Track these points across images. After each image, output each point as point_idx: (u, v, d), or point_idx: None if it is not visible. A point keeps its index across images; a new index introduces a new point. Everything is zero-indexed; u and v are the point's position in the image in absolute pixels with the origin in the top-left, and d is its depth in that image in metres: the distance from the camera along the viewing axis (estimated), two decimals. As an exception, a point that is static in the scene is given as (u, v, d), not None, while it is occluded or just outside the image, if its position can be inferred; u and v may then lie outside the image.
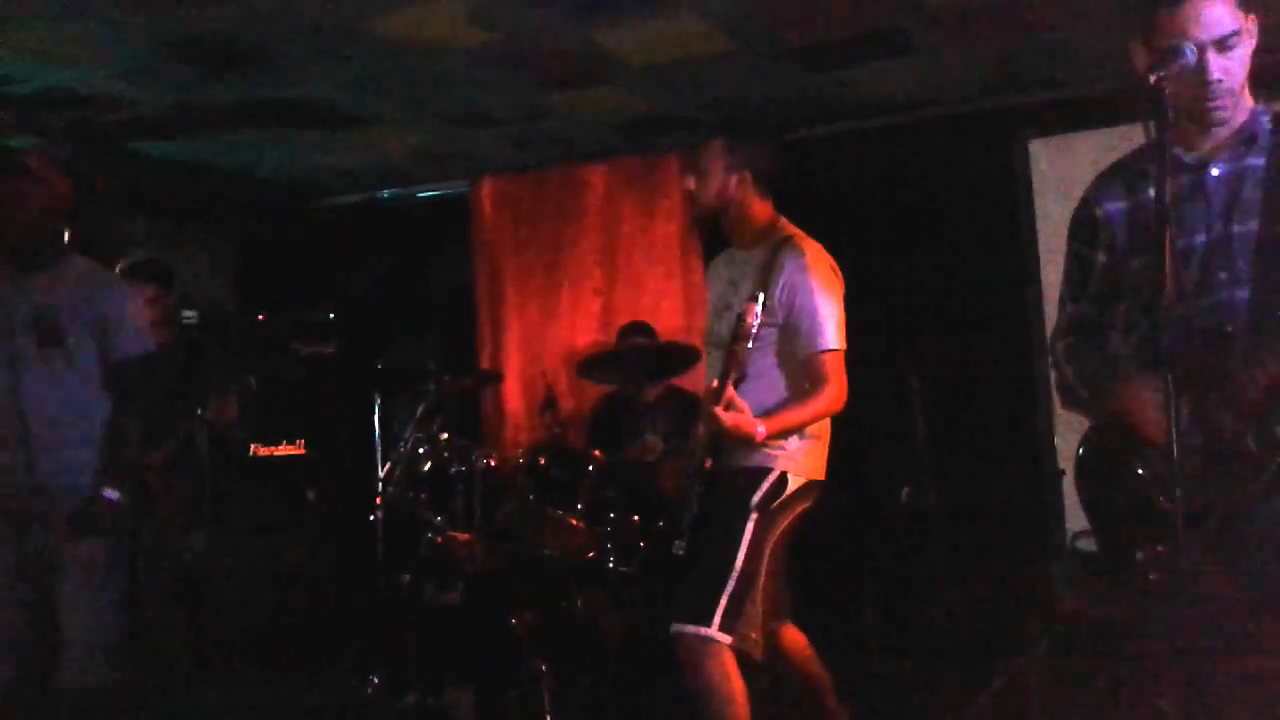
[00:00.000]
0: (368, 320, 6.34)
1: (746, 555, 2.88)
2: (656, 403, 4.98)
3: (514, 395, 6.07)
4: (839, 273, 3.06)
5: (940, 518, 4.57)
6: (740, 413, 2.80)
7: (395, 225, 6.68)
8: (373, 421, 5.03)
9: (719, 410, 2.78)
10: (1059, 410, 4.87)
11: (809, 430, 3.00)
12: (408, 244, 6.66)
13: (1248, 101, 2.17)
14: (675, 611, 2.92)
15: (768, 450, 2.95)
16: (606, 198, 5.94)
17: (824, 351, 2.92)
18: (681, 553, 2.91)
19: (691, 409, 4.79)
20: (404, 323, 6.41)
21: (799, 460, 3.00)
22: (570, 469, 4.36)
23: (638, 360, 4.83)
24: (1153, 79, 1.91)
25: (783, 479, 2.96)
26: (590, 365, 5.03)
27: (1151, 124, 1.91)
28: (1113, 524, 2.27)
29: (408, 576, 4.31)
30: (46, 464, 3.22)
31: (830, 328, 2.93)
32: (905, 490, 4.48)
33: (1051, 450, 4.91)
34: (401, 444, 4.57)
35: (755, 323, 2.79)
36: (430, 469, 4.56)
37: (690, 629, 2.84)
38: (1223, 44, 2.06)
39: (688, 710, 2.93)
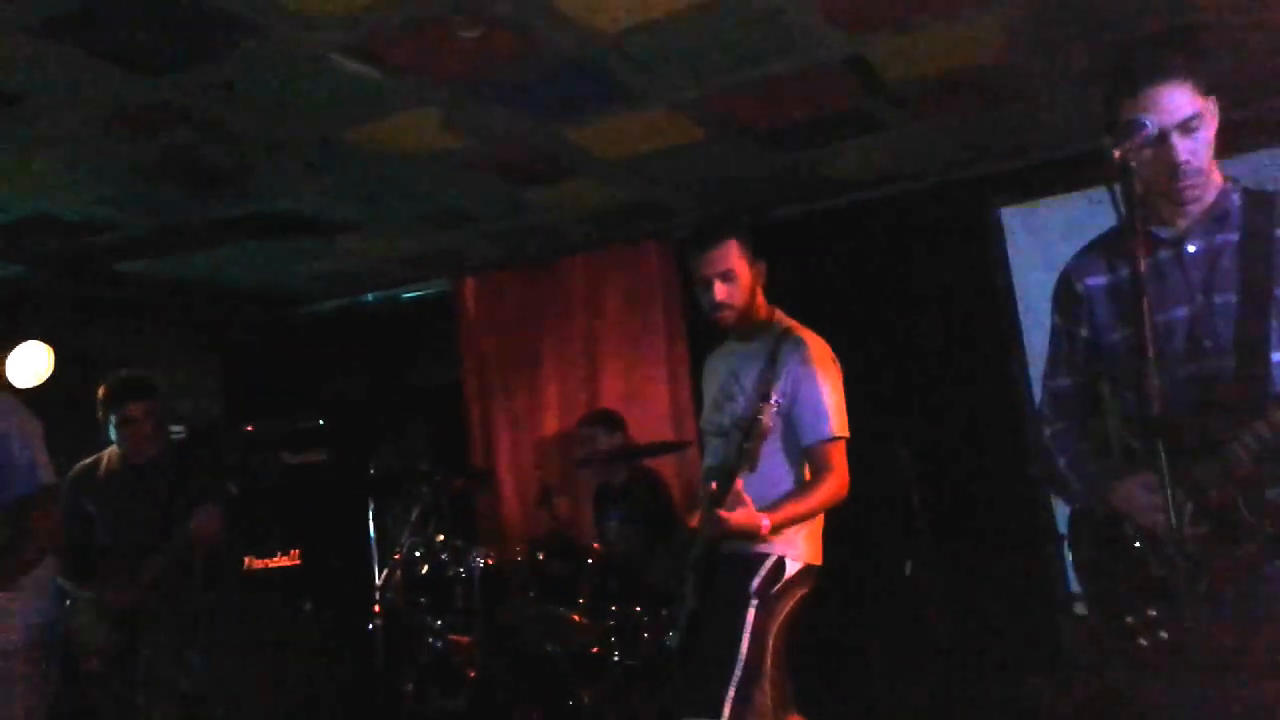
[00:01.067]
0: (357, 425, 6.32)
1: (750, 643, 2.86)
2: (621, 488, 4.96)
3: (509, 491, 6.04)
4: (837, 361, 3.09)
5: (945, 589, 4.53)
6: (745, 508, 2.80)
7: (381, 327, 6.71)
8: (367, 527, 5.00)
9: (723, 512, 2.79)
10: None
11: None
12: (394, 346, 6.67)
13: (1217, 179, 2.25)
14: (680, 706, 2.88)
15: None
16: (588, 288, 5.99)
17: (827, 441, 2.94)
18: (672, 644, 2.88)
19: (656, 489, 4.82)
20: (394, 425, 6.40)
21: (797, 545, 2.99)
22: (570, 563, 4.34)
23: (615, 460, 4.88)
24: (1116, 154, 1.95)
25: (780, 564, 2.95)
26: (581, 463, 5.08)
27: (1119, 196, 1.95)
28: (1107, 589, 2.28)
29: (410, 685, 4.25)
30: None
31: (833, 417, 2.95)
32: (908, 564, 4.46)
33: (1050, 513, 4.90)
34: (397, 548, 4.54)
35: (771, 424, 2.81)
36: (428, 572, 4.52)
37: None
38: (1185, 127, 2.14)
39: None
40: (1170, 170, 2.16)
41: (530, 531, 5.49)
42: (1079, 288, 2.38)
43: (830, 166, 4.98)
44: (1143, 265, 1.89)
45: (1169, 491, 1.84)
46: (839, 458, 2.96)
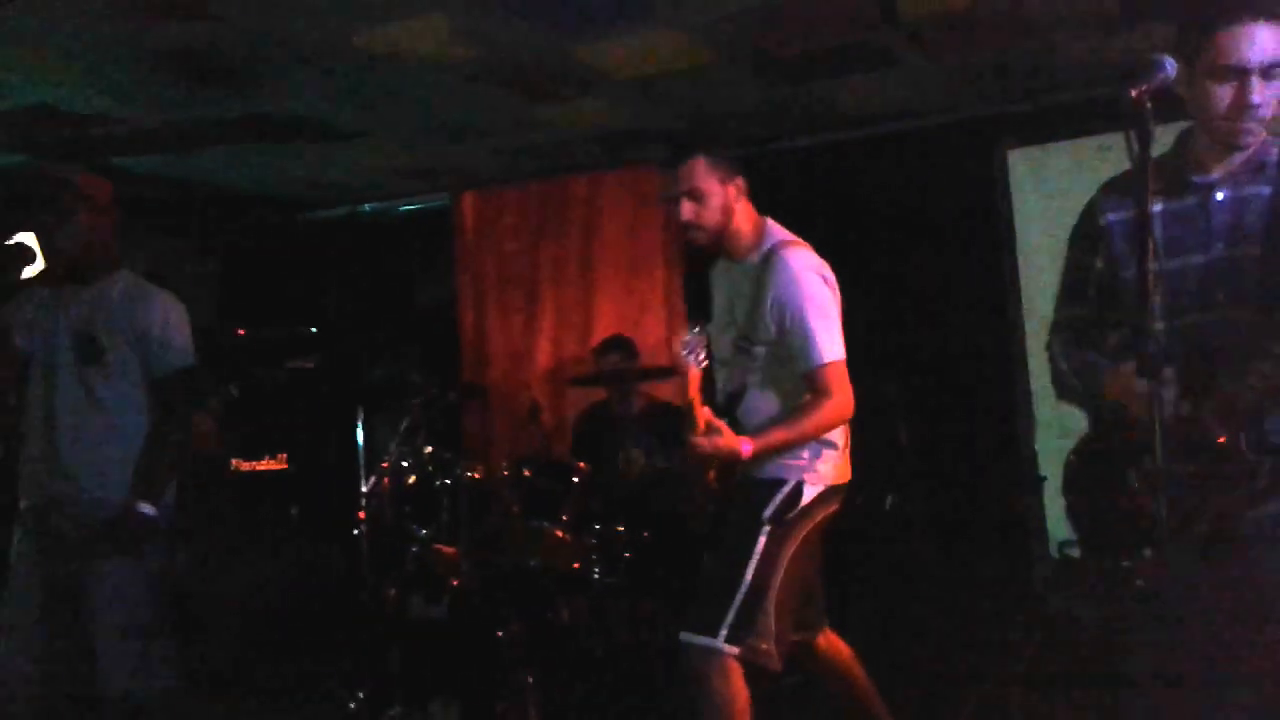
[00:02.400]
0: (350, 334, 6.32)
1: (757, 568, 2.86)
2: (639, 417, 4.99)
3: (498, 408, 6.07)
4: (830, 279, 3.01)
5: (924, 524, 4.59)
6: (720, 435, 2.81)
7: (378, 239, 6.68)
8: (356, 435, 5.01)
9: (698, 440, 2.80)
10: (1039, 416, 4.92)
11: (826, 438, 2.97)
12: (390, 257, 6.65)
13: (1263, 132, 2.19)
14: (684, 622, 2.91)
15: (783, 461, 2.94)
16: (589, 210, 5.96)
17: (819, 367, 2.88)
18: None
19: (673, 421, 4.83)
20: (387, 336, 6.40)
21: (816, 469, 2.97)
22: (555, 481, 4.38)
23: (614, 381, 4.88)
24: (1133, 93, 1.90)
25: (798, 489, 2.94)
26: (577, 380, 5.08)
27: (1133, 139, 1.92)
28: (1102, 530, 2.28)
29: (393, 590, 4.30)
30: (80, 482, 3.13)
31: (824, 341, 2.88)
32: (889, 498, 4.50)
33: (1032, 456, 4.95)
34: (385, 458, 4.57)
35: (695, 363, 2.82)
36: (415, 483, 4.55)
37: (697, 640, 2.83)
38: (1269, 72, 2.09)
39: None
40: (1238, 110, 2.11)
41: (517, 448, 5.53)
42: (1101, 221, 2.36)
43: (840, 99, 4.94)
44: (1166, 207, 1.85)
45: (1158, 430, 1.85)
46: (835, 379, 2.88)
